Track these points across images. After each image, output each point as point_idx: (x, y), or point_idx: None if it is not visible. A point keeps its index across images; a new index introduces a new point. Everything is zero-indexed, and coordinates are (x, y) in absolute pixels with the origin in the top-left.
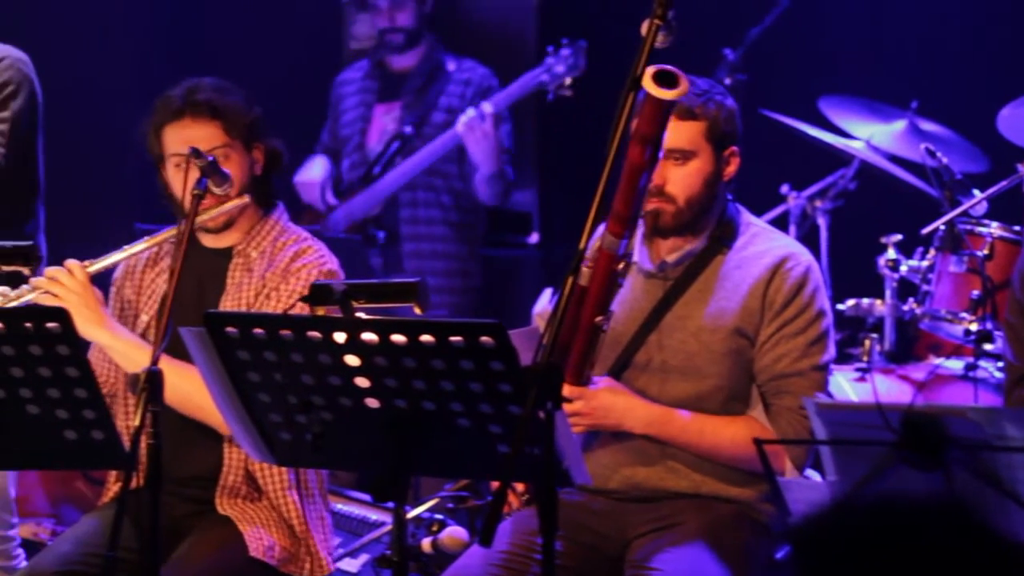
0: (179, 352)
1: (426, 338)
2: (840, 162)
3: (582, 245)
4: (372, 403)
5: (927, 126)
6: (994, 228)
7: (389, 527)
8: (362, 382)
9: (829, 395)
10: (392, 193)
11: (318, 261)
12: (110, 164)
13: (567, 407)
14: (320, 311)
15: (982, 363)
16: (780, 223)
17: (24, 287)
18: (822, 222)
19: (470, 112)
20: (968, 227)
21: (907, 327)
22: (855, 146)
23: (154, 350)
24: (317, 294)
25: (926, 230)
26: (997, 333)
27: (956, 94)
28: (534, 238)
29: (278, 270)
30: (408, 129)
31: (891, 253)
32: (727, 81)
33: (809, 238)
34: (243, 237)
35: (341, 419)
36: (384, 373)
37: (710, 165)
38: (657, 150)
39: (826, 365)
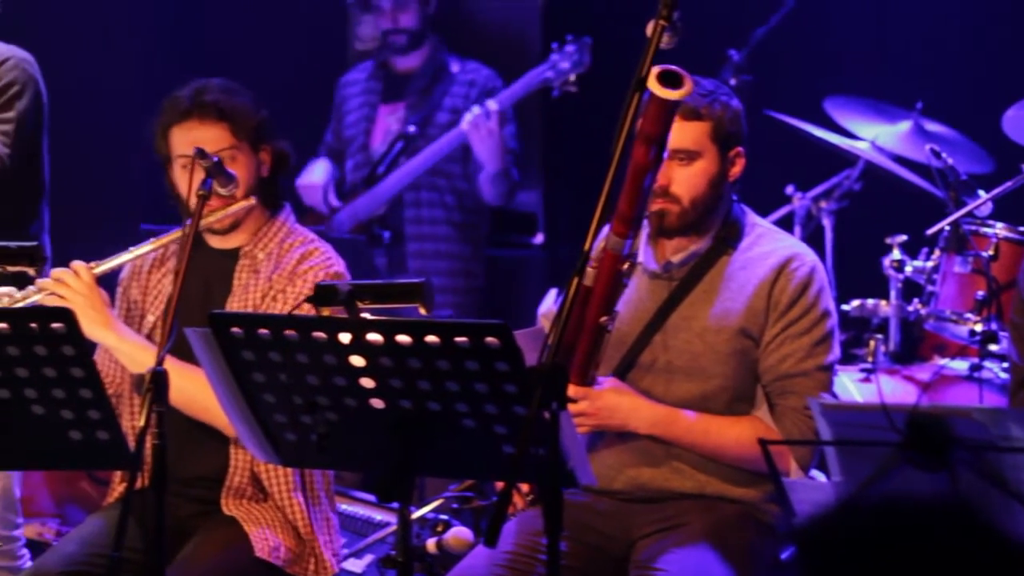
0: (185, 353)
1: (431, 339)
2: (845, 163)
3: (587, 246)
4: (377, 403)
5: (932, 127)
6: (999, 229)
7: (394, 527)
8: (367, 382)
9: (834, 396)
10: (396, 193)
11: (325, 263)
12: (115, 165)
13: (572, 407)
14: (325, 312)
15: (987, 364)
16: (785, 224)
17: (30, 288)
18: (827, 223)
19: (475, 110)
20: (973, 228)
21: (912, 328)
22: (860, 147)
23: (159, 351)
24: (322, 295)
25: (931, 231)
26: (1002, 334)
27: (961, 95)
28: (539, 238)
29: (285, 272)
30: (412, 129)
31: (896, 254)
32: (732, 82)
33: (814, 239)
34: (250, 238)
35: (346, 419)
36: (389, 373)
37: (715, 166)
38: (662, 150)
39: (831, 365)
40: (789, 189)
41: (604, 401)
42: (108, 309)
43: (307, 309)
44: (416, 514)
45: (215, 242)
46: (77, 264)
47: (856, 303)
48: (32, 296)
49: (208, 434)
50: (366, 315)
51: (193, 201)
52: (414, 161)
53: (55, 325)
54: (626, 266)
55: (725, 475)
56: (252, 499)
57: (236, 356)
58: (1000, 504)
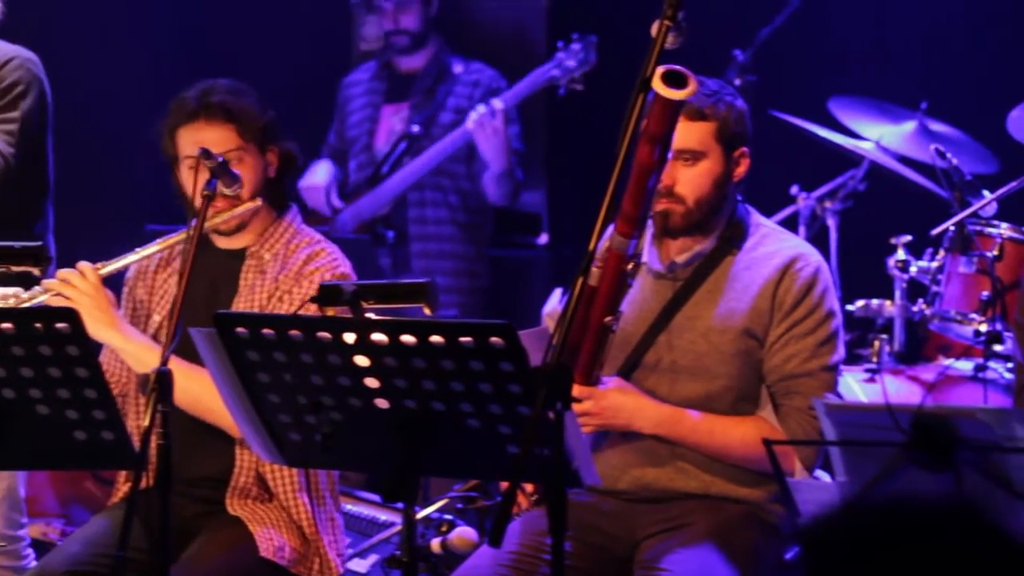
0: (190, 353)
1: (436, 339)
2: (850, 163)
3: (592, 246)
4: (382, 403)
5: (937, 127)
6: (1004, 229)
7: (398, 527)
8: (372, 382)
9: (838, 396)
10: (400, 193)
11: (331, 264)
12: (120, 165)
13: (576, 407)
14: (330, 312)
15: (992, 364)
16: (790, 224)
17: (36, 288)
18: (832, 223)
19: (480, 108)
20: (978, 228)
21: (916, 328)
22: (865, 147)
23: (163, 351)
24: (327, 295)
25: (936, 231)
26: (1007, 334)
27: (966, 95)
28: (543, 239)
29: (291, 273)
30: (416, 129)
31: (901, 254)
32: (737, 82)
33: (819, 239)
34: (256, 239)
35: (351, 420)
36: (394, 373)
37: (720, 166)
38: (666, 150)
39: (835, 366)
40: (794, 189)
41: (608, 401)
42: (114, 310)
43: (312, 309)
44: (421, 514)
45: (221, 243)
46: (83, 265)
47: (861, 303)
48: (38, 296)
49: (213, 434)
50: (370, 315)
51: (198, 201)
52: (418, 161)
53: (60, 325)
54: (630, 266)
55: (730, 475)
56: (257, 499)
57: (241, 356)
58: (1005, 504)
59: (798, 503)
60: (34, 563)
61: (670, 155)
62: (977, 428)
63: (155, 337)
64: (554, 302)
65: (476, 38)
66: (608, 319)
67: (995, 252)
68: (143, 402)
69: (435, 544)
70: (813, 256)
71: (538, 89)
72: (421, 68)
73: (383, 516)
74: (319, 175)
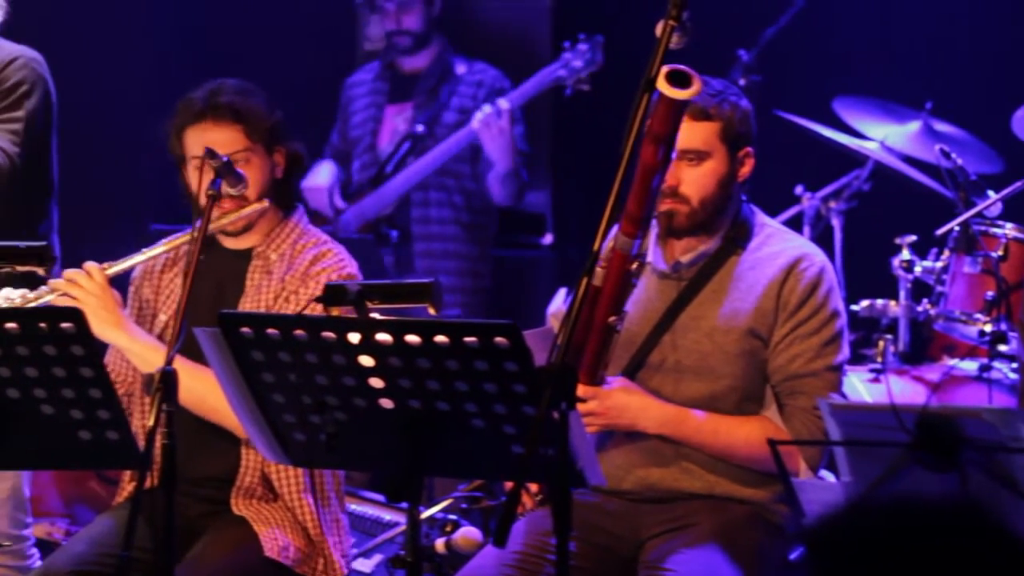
0: (196, 354)
1: (440, 339)
2: (854, 163)
3: (596, 246)
4: (386, 403)
5: (941, 127)
6: (1009, 229)
7: (403, 527)
8: (376, 382)
9: (843, 396)
10: (405, 193)
11: (338, 265)
12: (125, 165)
13: (581, 407)
14: (334, 312)
15: (996, 364)
16: (794, 224)
17: (43, 288)
18: (836, 223)
19: (486, 108)
20: (982, 228)
21: (921, 328)
22: (869, 147)
23: (168, 351)
24: (331, 295)
25: (940, 231)
26: (1011, 334)
27: (971, 95)
28: (548, 239)
29: (297, 273)
30: (420, 129)
31: (905, 254)
32: (741, 82)
33: (823, 239)
34: (263, 239)
35: (355, 419)
36: (398, 373)
37: (724, 166)
38: (670, 150)
39: (840, 366)
40: (798, 189)
41: (613, 401)
42: (120, 310)
43: (316, 309)
44: (425, 514)
45: (228, 243)
46: (90, 265)
47: (865, 303)
48: (45, 296)
49: (218, 434)
50: (375, 315)
51: (203, 201)
52: (423, 161)
53: (64, 325)
54: (635, 266)
55: (734, 475)
56: (262, 499)
57: (245, 356)
58: (1010, 504)
59: (803, 503)
60: (39, 563)
61: (674, 155)
62: (982, 428)
63: (161, 337)
64: (558, 302)
65: (479, 38)
66: (612, 319)
67: (1000, 252)
68: (148, 402)
69: (439, 544)
70: (818, 256)
71: (544, 89)
72: (424, 68)
73: (387, 516)
74: (322, 176)
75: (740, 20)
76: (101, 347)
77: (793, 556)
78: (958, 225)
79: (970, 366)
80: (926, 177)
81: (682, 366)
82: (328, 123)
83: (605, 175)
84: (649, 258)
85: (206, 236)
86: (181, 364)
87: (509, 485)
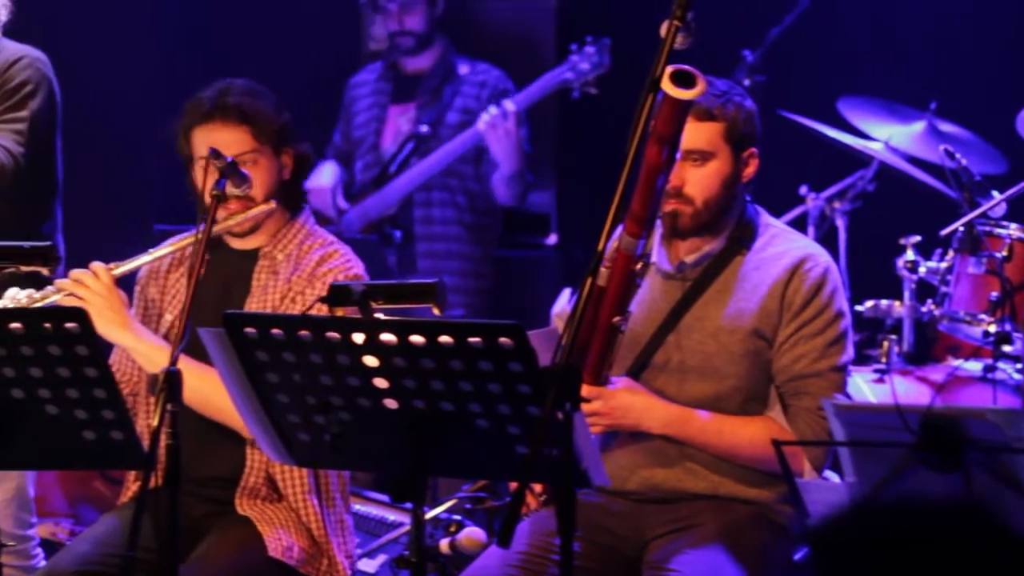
0: (203, 353)
1: (445, 339)
2: (859, 163)
3: (601, 246)
4: (390, 404)
5: (946, 127)
6: (1013, 230)
7: (407, 528)
8: (380, 383)
9: (847, 396)
10: (408, 193)
11: (344, 265)
12: (129, 165)
13: (585, 407)
14: (339, 312)
15: (1001, 365)
16: (799, 224)
17: (49, 288)
18: (841, 223)
19: (492, 110)
20: (987, 228)
21: (926, 328)
22: (874, 147)
23: (172, 350)
24: (336, 295)
25: (945, 231)
26: (1016, 335)
27: (975, 95)
28: (552, 239)
29: (304, 274)
30: (423, 129)
31: (910, 254)
32: (746, 82)
33: (828, 239)
34: (269, 240)
35: (359, 420)
36: (402, 374)
37: (729, 166)
38: (675, 150)
39: (844, 366)
40: (803, 190)
41: (618, 401)
42: (126, 310)
43: (321, 309)
44: (429, 514)
45: (234, 243)
46: (96, 265)
47: (870, 304)
48: (51, 296)
49: (223, 434)
50: (379, 315)
51: (208, 201)
52: (427, 161)
53: (69, 325)
54: (639, 266)
55: (739, 476)
56: (266, 500)
57: (250, 356)
58: (1014, 505)
59: (807, 504)
60: (43, 563)
61: (679, 155)
62: (986, 429)
63: (167, 337)
64: (563, 302)
65: (482, 39)
66: (617, 319)
67: (1004, 253)
68: (153, 402)
69: (444, 544)
70: (822, 256)
71: (551, 92)
72: (428, 69)
73: (392, 516)
74: (324, 177)
75: (745, 20)
76: (106, 347)
77: (797, 556)
78: (962, 225)
79: (974, 367)
80: (930, 177)
81: (686, 366)
82: (333, 123)
83: (609, 175)
84: (653, 258)
85: (213, 236)
86: (186, 364)
87: (513, 485)
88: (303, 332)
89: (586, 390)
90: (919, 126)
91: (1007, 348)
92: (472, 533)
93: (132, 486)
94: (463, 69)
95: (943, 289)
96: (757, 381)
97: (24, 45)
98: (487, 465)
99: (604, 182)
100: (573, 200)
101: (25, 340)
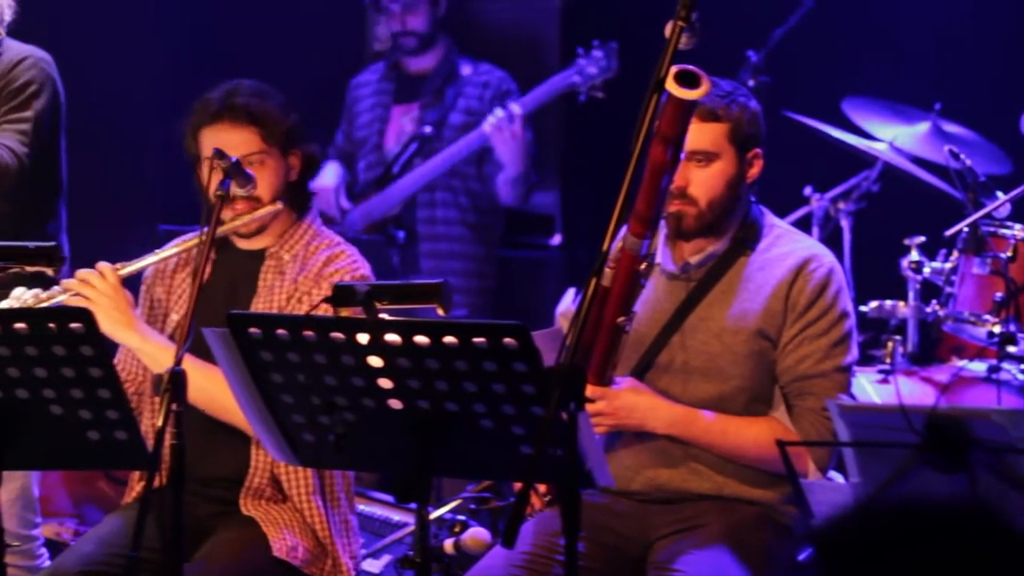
0: (209, 354)
1: (449, 339)
2: (863, 164)
3: (605, 246)
4: (395, 404)
5: (950, 128)
6: (1017, 230)
7: (411, 528)
8: (385, 383)
9: (852, 397)
10: (412, 194)
11: (351, 266)
12: (133, 165)
13: (590, 407)
14: (344, 312)
15: (1005, 365)
16: (803, 225)
17: (55, 288)
18: (845, 224)
19: (498, 112)
20: (991, 229)
21: (930, 329)
22: (878, 148)
23: (177, 350)
24: (340, 295)
25: (949, 232)
26: (1021, 335)
27: (980, 96)
28: (556, 239)
29: (311, 274)
30: (428, 130)
31: (914, 255)
32: (750, 83)
33: (832, 240)
34: (276, 240)
35: (364, 420)
36: (407, 374)
37: (733, 167)
38: (679, 151)
39: (849, 367)
40: (807, 190)
41: (622, 401)
42: (132, 310)
43: (325, 309)
44: (434, 515)
45: (241, 243)
46: (103, 265)
47: (874, 304)
48: (57, 296)
49: (228, 435)
50: (384, 316)
51: (215, 201)
52: (432, 162)
53: (73, 325)
54: (643, 266)
55: (743, 476)
56: (271, 500)
57: (254, 356)
58: (1018, 506)
59: (811, 504)
60: (48, 563)
61: (683, 155)
62: (991, 429)
63: (173, 337)
64: (567, 302)
65: (485, 39)
66: (621, 319)
67: (1009, 253)
68: (158, 401)
69: (448, 545)
70: (826, 257)
71: (558, 95)
72: (430, 69)
73: (396, 516)
74: (327, 177)
75: (749, 21)
76: (110, 347)
77: (802, 557)
78: (967, 226)
79: (979, 367)
80: (935, 178)
81: (690, 367)
82: (338, 124)
83: (614, 176)
84: (658, 259)
85: (219, 237)
86: (192, 364)
87: (518, 486)
88: (307, 332)
89: (590, 390)
90: (923, 127)
91: (1011, 349)
92: (476, 533)
93: (136, 486)
94: (466, 70)
95: (947, 290)
96: (761, 382)
97: (28, 45)
98: (491, 465)
99: (608, 182)
100: (577, 200)
101: (30, 340)
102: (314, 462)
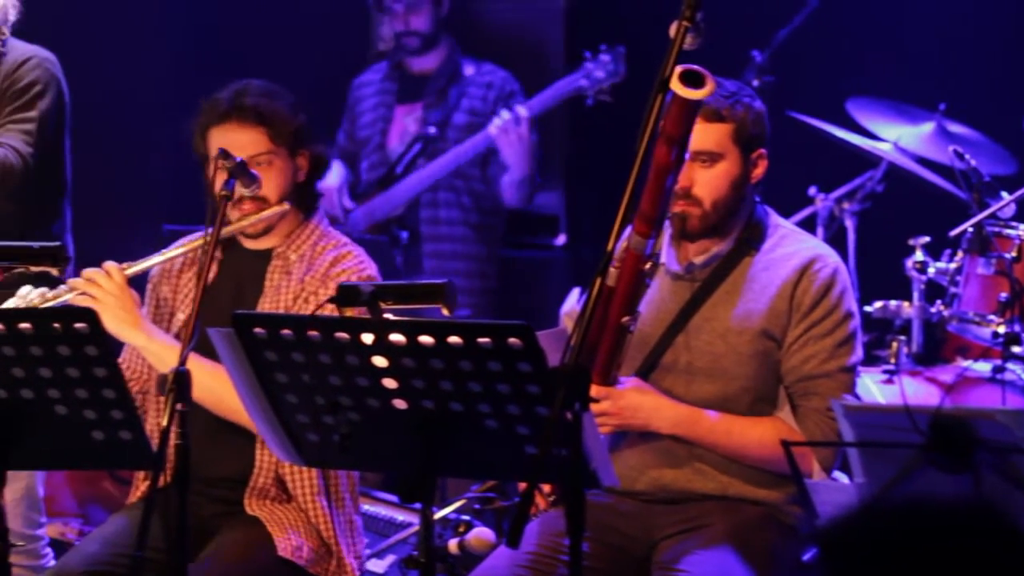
0: (215, 353)
1: (454, 339)
2: (868, 164)
3: (610, 246)
4: (400, 404)
5: (955, 128)
6: (1022, 230)
7: (416, 528)
8: (389, 383)
9: (856, 397)
10: (417, 194)
11: (358, 267)
12: (138, 165)
13: (594, 407)
14: (348, 312)
15: (1010, 365)
16: (808, 225)
17: (62, 287)
18: (850, 224)
19: (504, 115)
20: (996, 229)
21: (935, 329)
22: (883, 148)
23: (182, 350)
24: (345, 295)
25: (954, 232)
26: None
27: (984, 96)
28: (561, 239)
29: (317, 274)
30: (432, 130)
31: (919, 255)
32: (755, 83)
33: (837, 240)
34: (283, 240)
35: (369, 420)
36: (412, 374)
37: (737, 168)
38: (684, 150)
39: (854, 367)
40: (812, 190)
41: (627, 400)
42: (138, 309)
43: (330, 310)
44: (438, 515)
45: (248, 243)
46: (109, 264)
47: (879, 304)
48: (63, 295)
49: (232, 434)
50: (388, 316)
51: (221, 201)
52: (437, 163)
53: (78, 325)
54: (648, 266)
55: (747, 476)
56: (275, 500)
57: (259, 356)
58: (1023, 506)
59: (816, 504)
60: (52, 562)
61: (687, 156)
62: (995, 430)
63: (178, 336)
64: (572, 302)
65: (487, 39)
66: (626, 319)
67: (1013, 253)
68: (164, 400)
69: (452, 545)
70: (831, 257)
71: (564, 99)
72: (433, 69)
73: (400, 516)
74: (330, 177)
75: (753, 21)
76: (115, 346)
77: (806, 557)
78: (972, 226)
79: (984, 367)
80: (940, 178)
81: (695, 367)
82: (341, 124)
83: (618, 176)
84: (663, 259)
85: (227, 237)
86: (199, 363)
87: (522, 486)
88: (312, 332)
89: (595, 390)
90: (928, 127)
91: (1016, 349)
92: (481, 533)
93: (141, 486)
94: (469, 70)
95: (952, 290)
96: (766, 382)
97: (33, 45)
98: (496, 465)
99: (613, 183)
100: (582, 201)
101: (34, 340)
102: (318, 462)
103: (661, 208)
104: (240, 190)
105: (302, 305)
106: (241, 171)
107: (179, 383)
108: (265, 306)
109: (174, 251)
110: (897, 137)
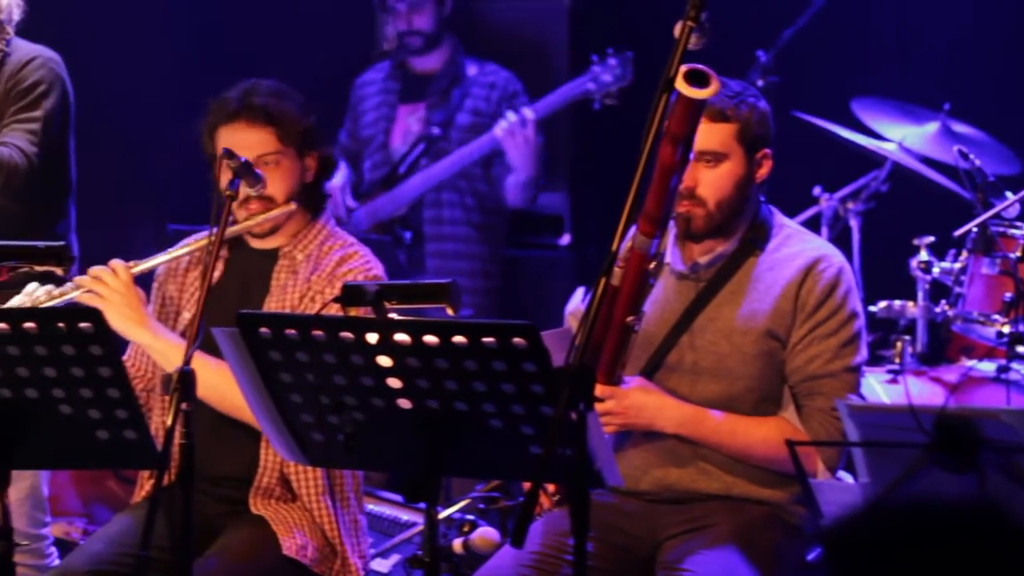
0: (220, 352)
1: (458, 339)
2: (872, 164)
3: (614, 245)
4: (404, 404)
5: (960, 128)
6: None
7: (420, 527)
8: (394, 383)
9: (861, 397)
10: (421, 194)
11: (364, 266)
12: (143, 164)
13: (599, 407)
14: (353, 312)
15: (1015, 365)
16: (812, 225)
17: (68, 285)
18: (854, 224)
19: (511, 116)
20: (1001, 229)
21: (939, 329)
22: (887, 148)
23: (187, 349)
24: (350, 295)
25: (958, 232)
26: None
27: (989, 96)
28: (565, 239)
29: (324, 274)
30: (436, 131)
31: (923, 255)
32: (760, 83)
33: (841, 240)
34: (289, 240)
35: (373, 420)
36: (416, 374)
37: (742, 168)
38: (688, 150)
39: (858, 367)
40: (816, 190)
41: (631, 400)
42: (144, 308)
43: (335, 309)
44: (443, 514)
45: (255, 242)
46: (115, 263)
47: (883, 304)
48: (70, 293)
49: (237, 433)
50: (393, 315)
51: (226, 201)
52: (441, 164)
53: (83, 325)
54: (652, 265)
55: (752, 476)
56: (280, 500)
57: (264, 356)
58: None
59: (820, 504)
60: (57, 562)
61: (692, 156)
62: (1000, 429)
63: (184, 335)
64: (576, 301)
65: (490, 39)
66: (630, 319)
67: (1018, 253)
68: (168, 400)
69: (457, 544)
70: (836, 257)
71: (571, 102)
72: (436, 69)
73: (405, 516)
74: (334, 177)
75: (758, 21)
76: (120, 345)
77: (811, 557)
78: (976, 226)
79: (988, 367)
80: (944, 178)
81: (699, 367)
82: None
83: (623, 176)
84: (667, 259)
85: (233, 236)
86: (205, 361)
87: (527, 485)
88: (317, 332)
89: (599, 390)
90: (933, 127)
91: (1021, 348)
92: (485, 533)
93: (146, 485)
94: (471, 70)
95: (957, 290)
96: (770, 382)
97: (37, 45)
98: (501, 465)
99: (617, 183)
100: (586, 201)
101: (39, 340)
102: (323, 462)
103: (666, 208)
104: (245, 190)
105: (308, 304)
106: (246, 171)
107: (184, 382)
108: (271, 305)
109: (180, 250)
110: (902, 137)
